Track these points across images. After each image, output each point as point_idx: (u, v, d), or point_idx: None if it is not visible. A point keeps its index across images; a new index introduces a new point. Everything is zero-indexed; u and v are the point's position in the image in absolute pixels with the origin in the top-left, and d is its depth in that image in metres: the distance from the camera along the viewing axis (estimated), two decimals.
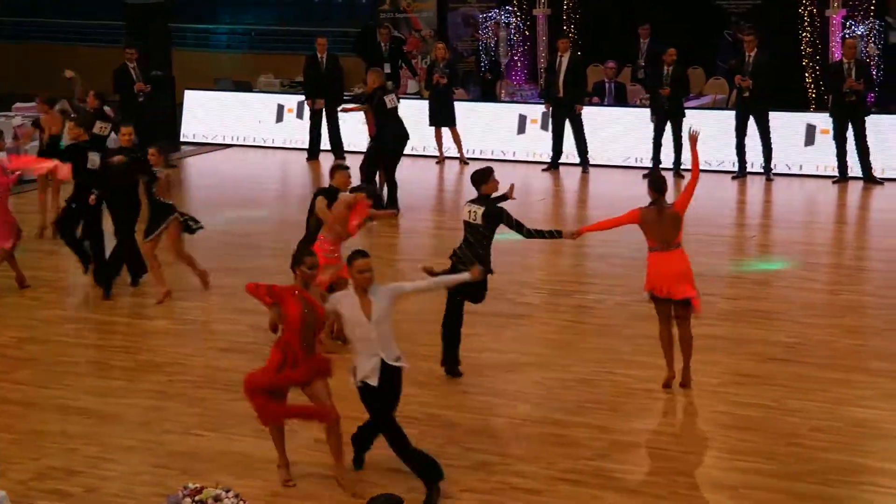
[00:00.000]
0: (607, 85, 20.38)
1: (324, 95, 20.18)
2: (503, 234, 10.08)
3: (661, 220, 9.65)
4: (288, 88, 23.15)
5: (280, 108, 21.74)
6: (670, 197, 10.09)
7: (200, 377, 10.52)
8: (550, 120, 19.16)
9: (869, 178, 17.34)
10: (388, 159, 16.20)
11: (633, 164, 18.86)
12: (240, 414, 9.62)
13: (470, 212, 9.98)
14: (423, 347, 10.74)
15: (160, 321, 12.10)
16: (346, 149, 20.39)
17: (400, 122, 16.29)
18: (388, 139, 16.09)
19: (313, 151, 20.51)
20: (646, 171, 18.30)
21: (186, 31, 25.93)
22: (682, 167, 18.06)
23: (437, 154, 19.86)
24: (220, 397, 10.00)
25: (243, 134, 21.94)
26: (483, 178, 9.99)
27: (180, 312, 12.35)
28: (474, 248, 9.96)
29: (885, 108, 18.66)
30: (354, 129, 20.62)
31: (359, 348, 8.13)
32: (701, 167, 10.05)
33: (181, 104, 22.30)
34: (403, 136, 16.31)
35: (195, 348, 11.29)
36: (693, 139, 9.99)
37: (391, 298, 8.18)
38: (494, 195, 10.10)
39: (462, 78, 21.14)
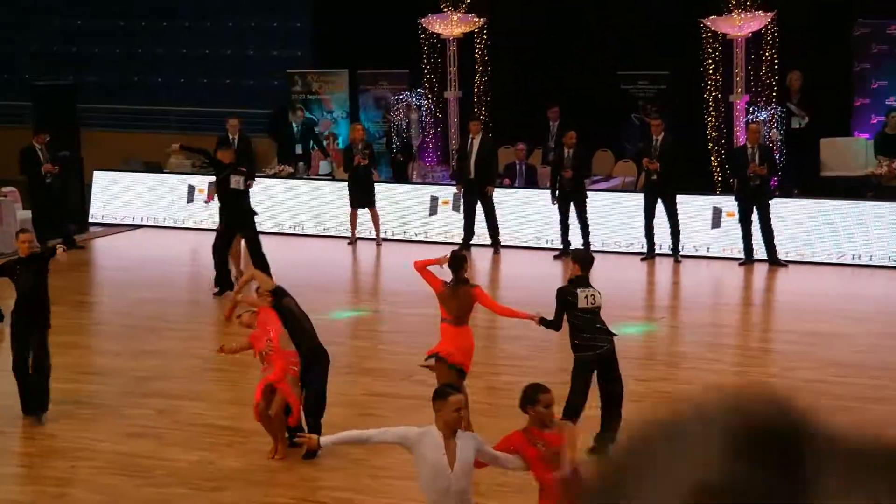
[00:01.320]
0: (518, 166, 20.60)
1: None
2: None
3: None
4: (199, 169, 23.05)
5: (191, 188, 21.63)
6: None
7: (106, 463, 10.32)
8: (462, 201, 19.30)
9: (774, 261, 17.65)
10: (247, 240, 16.42)
11: (543, 245, 19.03)
12: (146, 500, 9.45)
13: (587, 297, 9.87)
14: (333, 430, 10.66)
15: (65, 405, 11.86)
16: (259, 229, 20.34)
17: (243, 203, 16.42)
18: (230, 218, 16.33)
19: None
20: (556, 253, 18.52)
21: (95, 111, 25.79)
22: (591, 249, 18.25)
23: (350, 235, 19.87)
24: (126, 484, 9.81)
25: (153, 215, 21.79)
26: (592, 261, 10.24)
27: (86, 396, 12.14)
28: (601, 327, 9.90)
29: (788, 192, 19.06)
30: (267, 208, 20.61)
31: (432, 500, 6.93)
32: (610, 249, 10.27)
33: (90, 185, 22.09)
34: (248, 213, 16.45)
35: (101, 433, 11.09)
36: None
37: (475, 451, 6.99)
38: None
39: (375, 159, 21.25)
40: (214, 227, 20.43)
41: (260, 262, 16.13)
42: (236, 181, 16.25)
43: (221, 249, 16.33)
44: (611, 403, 9.92)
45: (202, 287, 17.20)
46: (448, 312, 10.29)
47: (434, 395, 7.19)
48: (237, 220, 16.37)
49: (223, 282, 16.27)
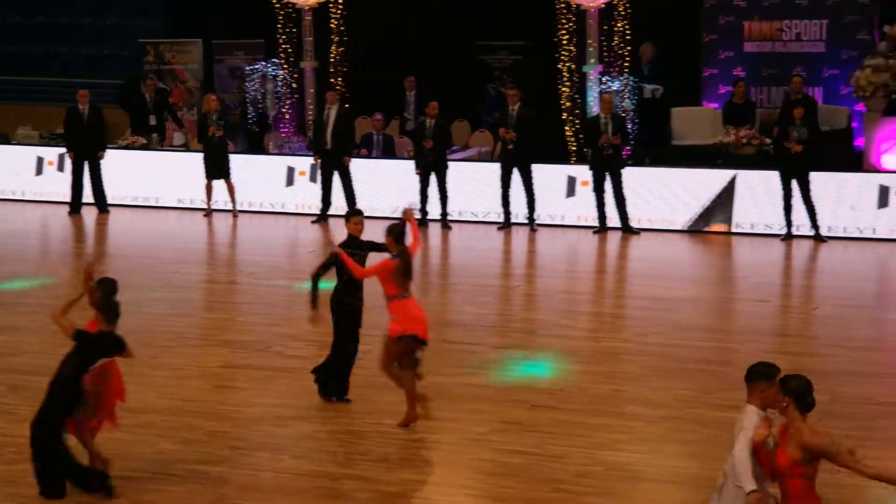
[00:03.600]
0: (375, 137, 20.60)
1: (85, 148, 19.81)
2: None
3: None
4: (48, 141, 22.55)
5: (40, 160, 21.15)
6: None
7: None
8: (319, 172, 19.24)
9: (627, 229, 17.99)
10: None
11: (400, 215, 19.02)
12: (3, 479, 9.27)
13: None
14: (189, 403, 10.59)
15: None
16: (109, 202, 20.04)
17: None
18: None
19: (75, 205, 20.04)
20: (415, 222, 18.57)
21: None
22: (448, 218, 18.38)
23: (206, 206, 19.65)
24: None
25: (0, 187, 21.26)
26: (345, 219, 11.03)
27: None
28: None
29: (640, 161, 19.42)
30: (120, 180, 20.27)
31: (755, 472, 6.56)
32: (467, 219, 10.39)
33: None
34: None
35: None
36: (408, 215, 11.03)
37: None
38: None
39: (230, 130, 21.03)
40: (66, 200, 20.10)
41: None
42: None
43: None
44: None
45: (52, 261, 16.87)
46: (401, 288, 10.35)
47: (760, 375, 6.57)
48: None
49: None
